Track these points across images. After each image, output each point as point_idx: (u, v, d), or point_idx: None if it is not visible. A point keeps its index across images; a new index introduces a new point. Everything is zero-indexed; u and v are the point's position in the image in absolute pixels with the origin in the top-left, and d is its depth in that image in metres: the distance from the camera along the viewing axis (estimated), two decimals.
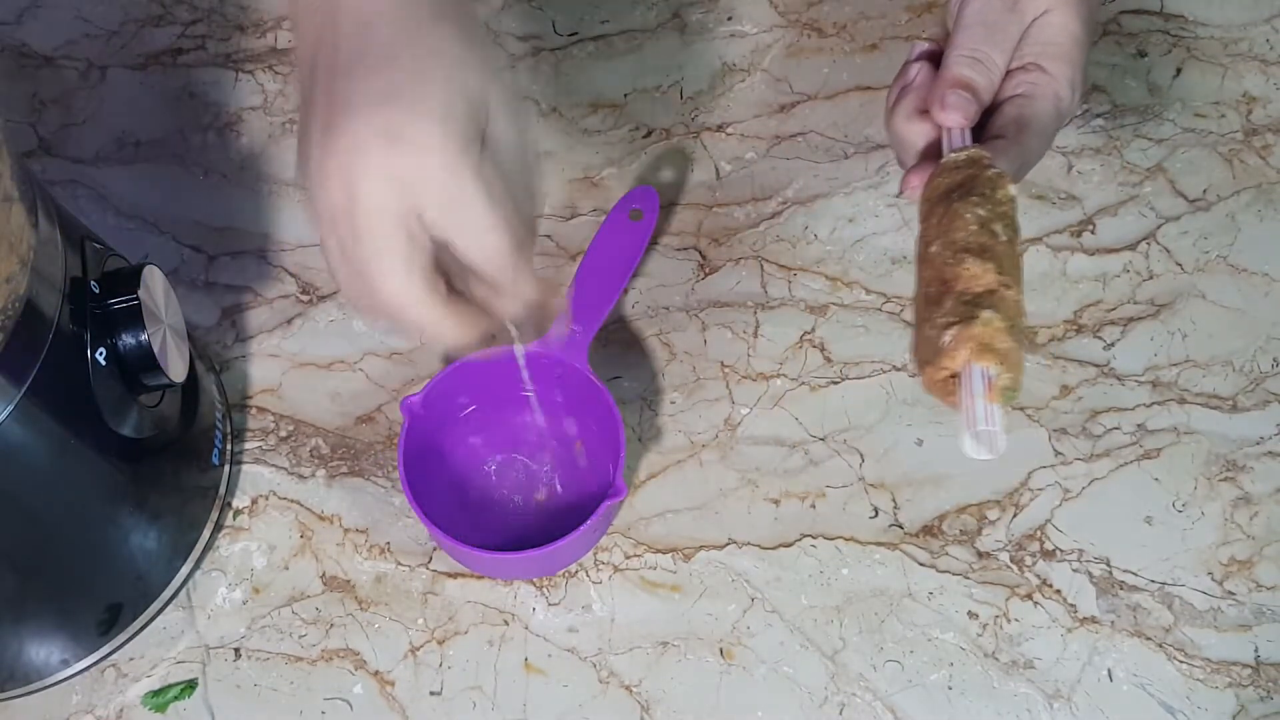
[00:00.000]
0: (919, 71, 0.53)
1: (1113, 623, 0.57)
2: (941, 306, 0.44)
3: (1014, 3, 0.52)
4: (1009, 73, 0.52)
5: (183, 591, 0.59)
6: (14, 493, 0.49)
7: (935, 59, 0.53)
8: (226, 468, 0.61)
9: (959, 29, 0.53)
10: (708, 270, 0.67)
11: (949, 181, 0.47)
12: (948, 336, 0.43)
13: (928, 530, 0.59)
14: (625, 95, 0.73)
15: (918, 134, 0.52)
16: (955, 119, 0.50)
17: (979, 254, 0.45)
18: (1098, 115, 0.70)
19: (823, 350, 0.64)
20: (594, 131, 0.71)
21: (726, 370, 0.64)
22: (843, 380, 0.63)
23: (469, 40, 0.43)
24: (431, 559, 0.60)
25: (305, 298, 0.67)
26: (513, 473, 0.61)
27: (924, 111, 0.52)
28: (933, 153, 0.51)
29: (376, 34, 0.42)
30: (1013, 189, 0.47)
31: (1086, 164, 0.69)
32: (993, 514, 0.60)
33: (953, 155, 0.49)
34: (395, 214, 0.41)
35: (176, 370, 0.53)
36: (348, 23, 0.43)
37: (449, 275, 0.44)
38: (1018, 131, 0.50)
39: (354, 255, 0.42)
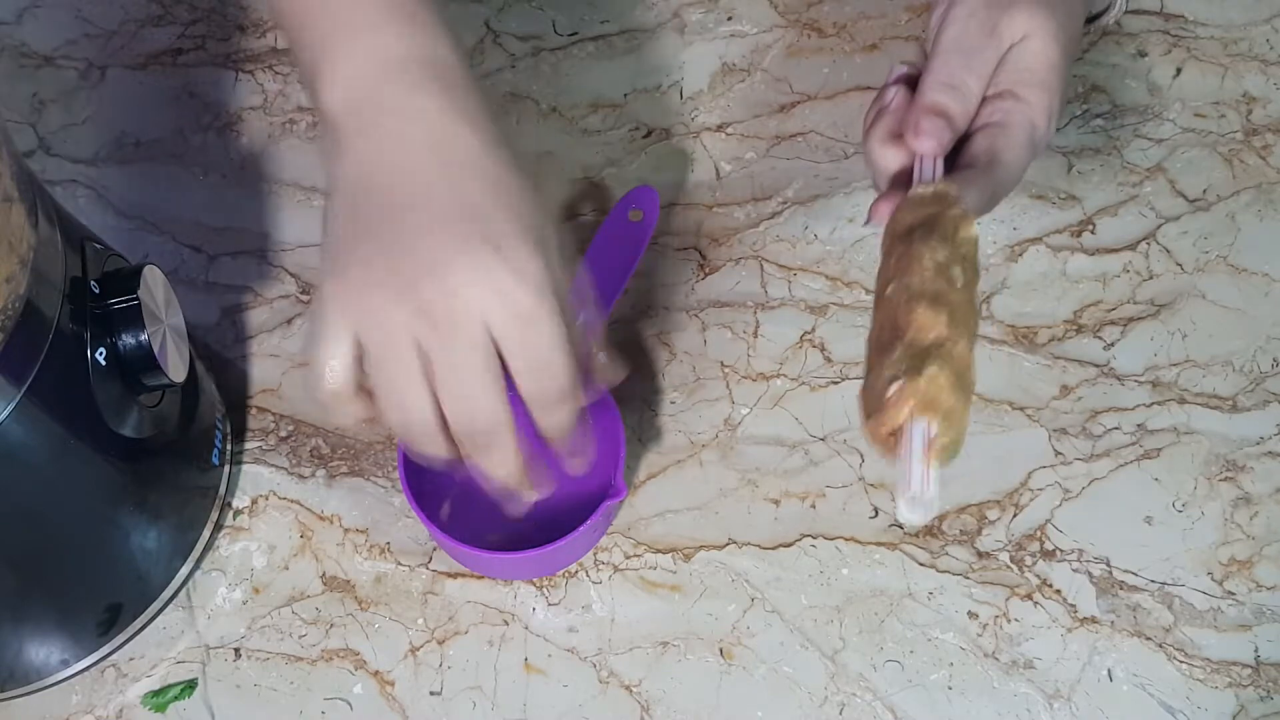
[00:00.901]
0: (896, 95, 0.53)
1: (1113, 623, 0.57)
2: (890, 354, 0.43)
3: (992, 29, 0.51)
4: (985, 99, 0.52)
5: (183, 591, 0.59)
6: (13, 493, 0.49)
7: (913, 83, 0.52)
8: (226, 468, 0.61)
9: (936, 54, 0.52)
10: (708, 270, 0.67)
11: (912, 218, 0.47)
12: (892, 390, 0.42)
13: (928, 530, 0.59)
14: (625, 95, 0.73)
15: (891, 159, 0.52)
16: (928, 146, 0.50)
17: (932, 302, 0.44)
18: (1098, 115, 0.70)
19: (823, 350, 0.64)
20: (594, 131, 0.71)
21: (726, 370, 0.64)
22: (843, 380, 0.63)
23: (522, 171, 0.44)
24: (431, 559, 0.60)
25: (305, 297, 0.67)
26: None
27: (899, 136, 0.51)
28: (904, 179, 0.51)
29: (434, 159, 0.42)
30: (975, 229, 0.46)
31: (1086, 164, 0.69)
32: (993, 514, 0.60)
33: (920, 189, 0.48)
34: (494, 324, 0.41)
35: (176, 370, 0.53)
36: (398, 148, 0.42)
37: None
38: (989, 162, 0.50)
39: (453, 373, 0.41)
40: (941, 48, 0.52)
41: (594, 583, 0.59)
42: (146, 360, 0.51)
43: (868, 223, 0.53)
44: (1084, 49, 0.72)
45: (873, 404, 0.43)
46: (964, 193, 0.48)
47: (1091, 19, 0.60)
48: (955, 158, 0.51)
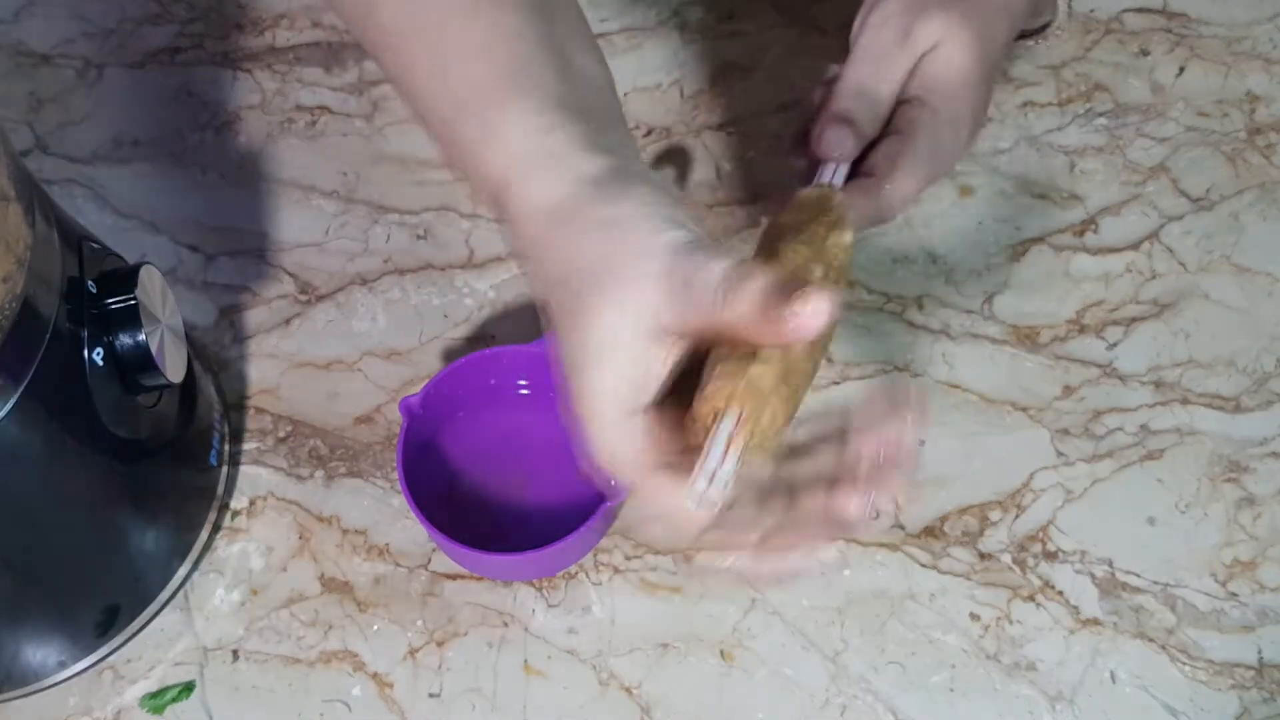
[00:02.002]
0: (819, 97, 0.52)
1: (1115, 624, 0.57)
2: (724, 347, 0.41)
3: (904, 36, 0.51)
4: (897, 105, 0.51)
5: (180, 593, 0.59)
6: (11, 494, 0.49)
7: None
8: (224, 468, 0.61)
9: (850, 61, 0.52)
10: None
11: (791, 219, 0.46)
12: (712, 385, 0.39)
13: (929, 532, 0.59)
14: (625, 94, 0.72)
15: (799, 161, 0.51)
16: (828, 153, 0.50)
17: None
18: (1100, 114, 0.70)
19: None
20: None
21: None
22: (843, 381, 0.63)
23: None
24: (430, 560, 0.59)
25: (304, 298, 0.67)
26: (512, 473, 0.61)
27: (807, 139, 0.51)
28: (810, 181, 0.51)
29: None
30: (848, 236, 0.45)
31: (1089, 163, 0.69)
32: (995, 515, 0.60)
33: (806, 191, 0.47)
34: None
35: (174, 370, 0.52)
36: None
37: None
38: (887, 169, 0.50)
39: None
40: (855, 54, 0.52)
41: (594, 584, 0.59)
42: (144, 360, 0.50)
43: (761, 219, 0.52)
44: (1086, 48, 0.72)
45: (699, 396, 0.41)
46: (854, 200, 0.48)
47: (1032, 32, 0.60)
48: (860, 164, 0.51)
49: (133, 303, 0.50)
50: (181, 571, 0.58)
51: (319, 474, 0.62)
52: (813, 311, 0.36)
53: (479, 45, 0.43)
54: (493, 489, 0.60)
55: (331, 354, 0.65)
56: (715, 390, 0.39)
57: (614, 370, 0.39)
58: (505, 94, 0.42)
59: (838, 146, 0.50)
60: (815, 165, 0.51)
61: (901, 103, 0.51)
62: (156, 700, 0.57)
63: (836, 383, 0.63)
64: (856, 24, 0.53)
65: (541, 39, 0.44)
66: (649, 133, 0.71)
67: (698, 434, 0.39)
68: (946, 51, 0.50)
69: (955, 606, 0.57)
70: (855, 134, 0.50)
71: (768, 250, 0.45)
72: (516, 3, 0.44)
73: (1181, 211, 0.67)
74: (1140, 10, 0.74)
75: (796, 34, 0.74)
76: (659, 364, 0.40)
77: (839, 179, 0.50)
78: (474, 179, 0.44)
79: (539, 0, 0.45)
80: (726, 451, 0.38)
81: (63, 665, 0.56)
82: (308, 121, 0.72)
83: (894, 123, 0.51)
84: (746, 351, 0.39)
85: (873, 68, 0.51)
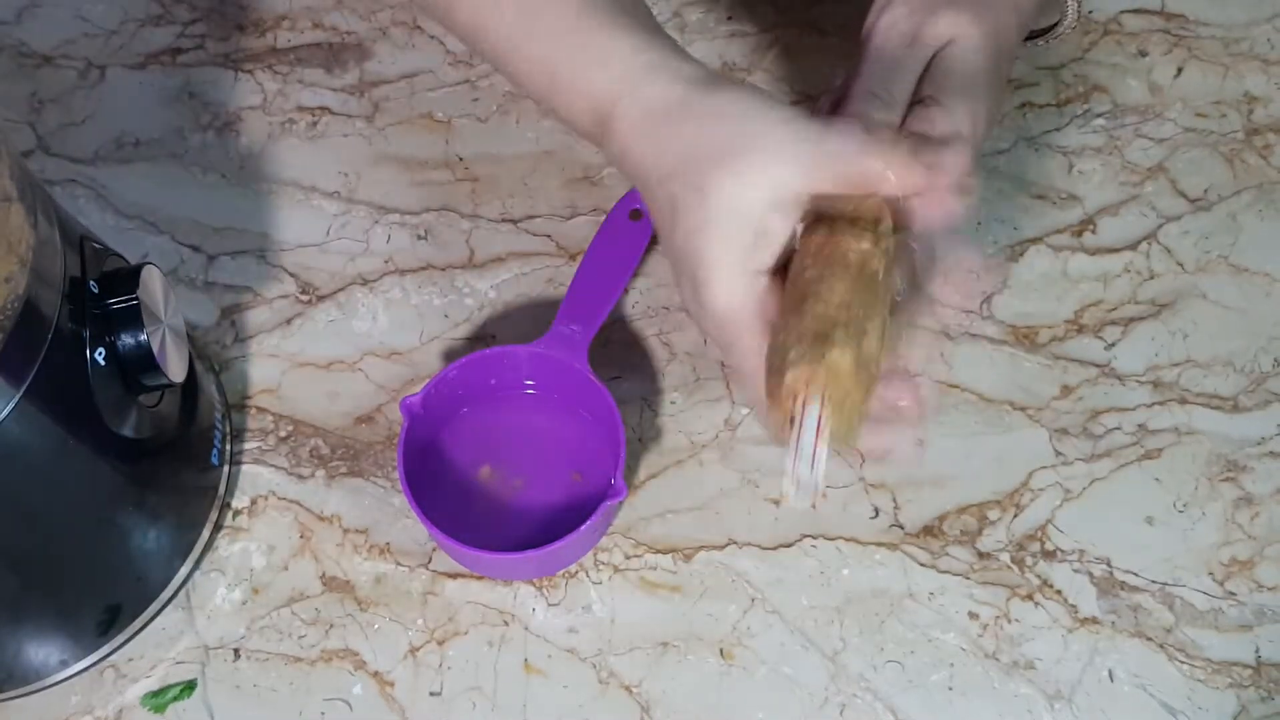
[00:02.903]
0: (825, 104, 0.53)
1: (1113, 623, 0.57)
2: (794, 333, 0.42)
3: (915, 35, 0.51)
4: (912, 106, 0.51)
5: (182, 592, 0.59)
6: (13, 493, 0.49)
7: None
8: (226, 468, 0.61)
9: (862, 64, 0.52)
10: None
11: (827, 204, 0.46)
12: (791, 370, 0.40)
13: (928, 531, 0.59)
14: None
15: None
16: None
17: (852, 284, 0.42)
18: (1099, 115, 0.70)
19: None
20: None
21: (727, 370, 0.64)
22: None
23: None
24: (431, 559, 0.60)
25: (305, 298, 0.67)
26: (512, 473, 0.61)
27: None
28: None
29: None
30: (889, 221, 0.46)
31: (1087, 163, 0.69)
32: (993, 514, 0.60)
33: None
34: None
35: (175, 370, 0.53)
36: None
37: None
38: None
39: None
40: (867, 56, 0.52)
41: (594, 583, 0.59)
42: (146, 360, 0.50)
43: None
44: (1085, 48, 0.72)
45: (772, 382, 0.42)
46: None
47: (1041, 32, 0.60)
48: None
49: (134, 303, 0.50)
50: (183, 570, 0.58)
51: (320, 473, 0.62)
52: (960, 173, 0.43)
53: None
54: (493, 489, 0.61)
55: (332, 354, 0.65)
56: (795, 377, 0.40)
57: (741, 233, 0.44)
58: (599, 22, 0.48)
59: None
60: None
61: (915, 104, 0.51)
62: (158, 699, 0.57)
63: None
64: (866, 27, 0.53)
65: None
66: None
67: (778, 409, 0.41)
68: (958, 51, 0.51)
69: (954, 605, 0.58)
70: None
71: (824, 235, 0.45)
72: None
73: (1179, 212, 0.67)
74: (1138, 11, 0.74)
75: (796, 34, 0.74)
76: (780, 231, 0.44)
77: None
78: (574, 103, 0.49)
79: None
80: (817, 438, 0.39)
81: (64, 664, 0.56)
82: (309, 122, 0.72)
83: (909, 124, 0.51)
84: (818, 305, 0.41)
85: (885, 69, 0.51)
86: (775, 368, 0.42)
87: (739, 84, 0.46)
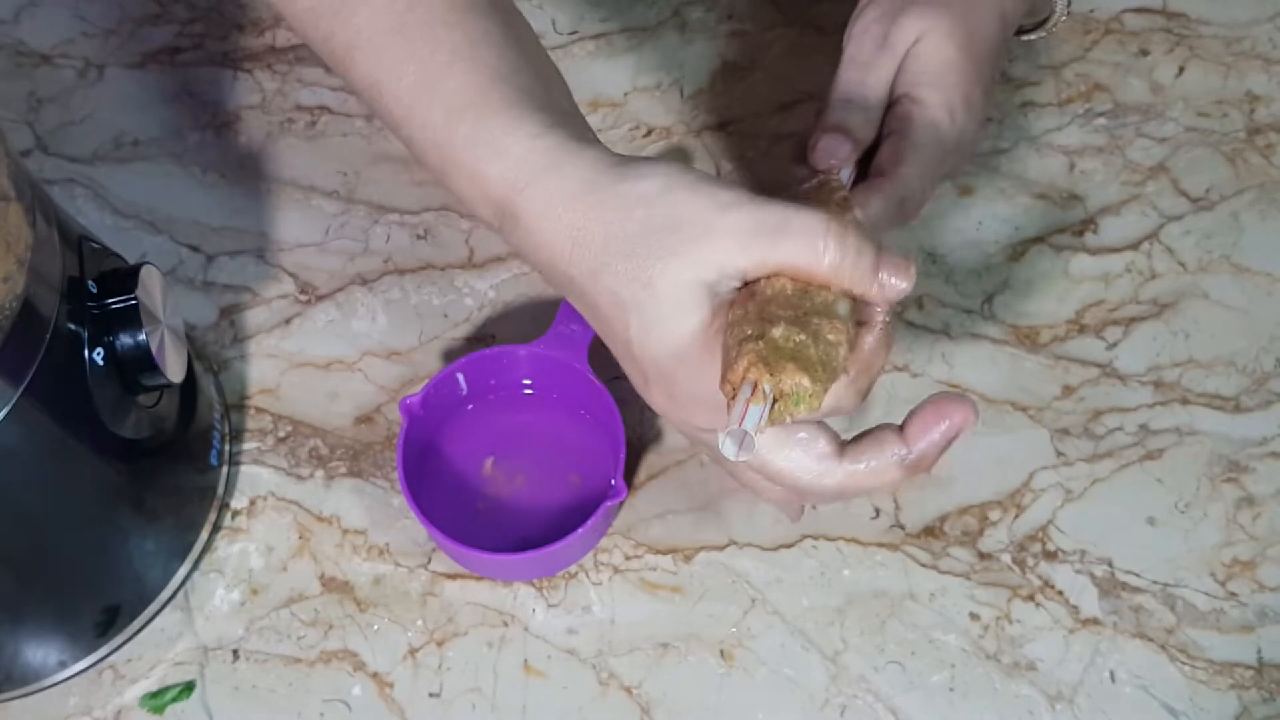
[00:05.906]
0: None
1: (1115, 624, 0.57)
2: (747, 320, 0.42)
3: (884, 39, 0.52)
4: (889, 107, 0.52)
5: (180, 593, 0.59)
6: (11, 494, 0.49)
7: None
8: (225, 468, 0.61)
9: (839, 70, 0.53)
10: None
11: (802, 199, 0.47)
12: (737, 352, 0.41)
13: (929, 531, 0.59)
14: (625, 94, 0.72)
15: (800, 174, 0.52)
16: (824, 162, 0.51)
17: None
18: (1100, 114, 0.70)
19: None
20: (595, 130, 0.71)
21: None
22: None
23: None
24: (430, 560, 0.59)
25: (304, 298, 0.67)
26: (512, 473, 0.61)
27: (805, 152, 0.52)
28: None
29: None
30: (858, 213, 0.47)
31: (1089, 163, 0.69)
32: (994, 515, 0.60)
33: (805, 186, 0.49)
34: None
35: (174, 370, 0.52)
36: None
37: None
38: (893, 166, 0.50)
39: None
40: (842, 63, 0.53)
41: (594, 584, 0.59)
42: (144, 360, 0.50)
43: None
44: (1086, 48, 0.72)
45: (725, 365, 0.42)
46: (868, 201, 0.49)
47: (1032, 27, 0.60)
48: (866, 167, 0.52)
49: (133, 302, 0.50)
50: (182, 571, 0.58)
51: (319, 474, 0.62)
52: (907, 281, 0.42)
53: (465, 52, 0.44)
54: (493, 489, 0.60)
55: (331, 354, 0.65)
56: (740, 355, 0.40)
57: (700, 312, 0.41)
58: (499, 100, 0.44)
59: (833, 154, 0.51)
60: (815, 175, 0.51)
61: (892, 104, 0.52)
62: (157, 700, 0.57)
63: None
64: (845, 37, 0.54)
65: (512, 42, 0.46)
66: (649, 133, 0.71)
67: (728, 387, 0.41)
68: (927, 44, 0.52)
69: (955, 606, 0.57)
70: (850, 140, 0.51)
71: None
72: (487, 8, 0.46)
73: (1181, 211, 0.67)
74: (1140, 10, 0.74)
75: (796, 34, 0.74)
76: (732, 288, 0.42)
77: (846, 184, 0.51)
78: (470, 184, 0.45)
79: (499, 3, 0.47)
80: (747, 407, 0.39)
81: (63, 665, 0.56)
82: (308, 121, 0.72)
83: (888, 124, 0.52)
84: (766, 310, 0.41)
85: (858, 75, 0.53)
86: (727, 351, 0.42)
87: (647, 160, 0.43)
